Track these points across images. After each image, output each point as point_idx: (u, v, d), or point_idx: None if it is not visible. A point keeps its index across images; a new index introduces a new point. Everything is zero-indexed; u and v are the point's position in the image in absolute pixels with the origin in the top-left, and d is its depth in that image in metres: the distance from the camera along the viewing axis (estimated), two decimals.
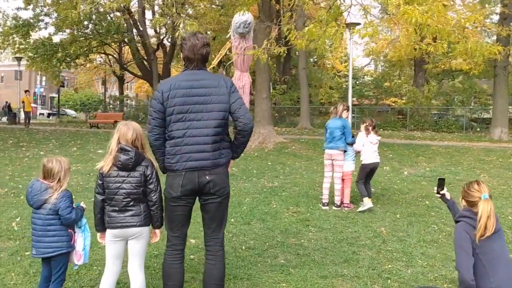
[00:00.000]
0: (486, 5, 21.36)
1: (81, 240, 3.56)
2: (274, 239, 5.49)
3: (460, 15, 10.68)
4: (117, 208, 3.29)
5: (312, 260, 4.81)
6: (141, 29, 29.84)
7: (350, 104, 19.31)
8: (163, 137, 3.34)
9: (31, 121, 24.94)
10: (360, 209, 6.69)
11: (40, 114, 46.13)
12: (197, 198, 3.41)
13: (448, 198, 3.94)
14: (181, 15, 25.57)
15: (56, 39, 27.00)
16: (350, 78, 19.03)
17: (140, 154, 3.33)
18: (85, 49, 28.03)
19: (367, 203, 6.66)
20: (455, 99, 25.74)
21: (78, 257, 3.56)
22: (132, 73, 34.79)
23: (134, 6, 26.51)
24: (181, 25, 8.74)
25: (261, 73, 13.50)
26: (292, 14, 16.32)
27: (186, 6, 28.72)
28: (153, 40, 30.63)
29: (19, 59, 26.40)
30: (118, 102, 38.42)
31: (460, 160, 11.20)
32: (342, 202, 6.90)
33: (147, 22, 27.86)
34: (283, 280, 4.29)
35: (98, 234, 3.47)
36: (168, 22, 25.90)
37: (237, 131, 3.36)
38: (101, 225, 3.39)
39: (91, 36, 27.60)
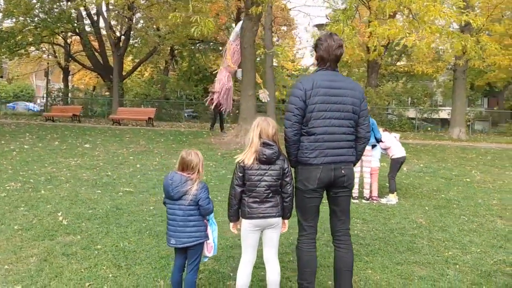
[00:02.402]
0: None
1: (210, 232, 3.67)
2: (327, 231, 5.76)
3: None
4: (258, 200, 3.44)
5: (378, 249, 5.15)
6: (95, 19, 29.07)
7: None
8: (299, 132, 3.53)
9: None
10: (384, 201, 7.15)
11: None
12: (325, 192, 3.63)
13: None
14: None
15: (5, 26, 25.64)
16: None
17: (279, 148, 3.50)
18: (34, 38, 26.75)
19: (394, 198, 7.13)
20: (408, 100, 27.15)
21: (210, 249, 3.66)
22: (82, 65, 33.56)
23: None
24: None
25: (248, 71, 13.68)
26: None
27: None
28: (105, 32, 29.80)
29: None
30: (62, 95, 36.99)
31: (444, 157, 12.05)
32: (371, 196, 7.31)
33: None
34: (365, 267, 4.59)
35: (231, 224, 3.60)
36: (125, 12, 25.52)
37: (357, 138, 3.63)
38: (236, 216, 3.53)
39: (40, 25, 26.37)
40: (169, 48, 33.78)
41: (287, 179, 3.49)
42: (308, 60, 61.23)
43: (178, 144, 13.07)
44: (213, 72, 39.06)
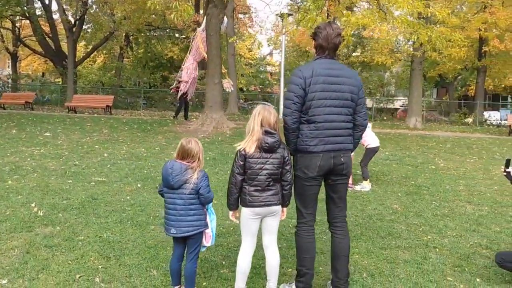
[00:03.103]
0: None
1: (209, 221, 3.64)
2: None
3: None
4: (259, 188, 3.44)
5: (360, 235, 5.28)
6: (46, 2, 27.89)
7: (281, 93, 20.11)
8: (299, 120, 3.55)
9: None
10: (358, 188, 7.34)
11: None
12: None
13: None
14: None
15: None
16: (282, 68, 19.79)
17: (280, 137, 3.51)
18: None
19: (367, 184, 7.32)
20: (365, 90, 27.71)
21: (208, 238, 3.64)
22: (33, 50, 32.16)
23: None
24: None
25: (213, 58, 13.56)
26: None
27: None
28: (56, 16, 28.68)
29: None
30: (10, 81, 35.42)
31: (407, 146, 12.44)
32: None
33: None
34: (352, 252, 4.68)
35: (230, 213, 3.59)
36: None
37: (355, 126, 3.69)
38: (236, 204, 3.53)
39: None
40: (124, 34, 32.89)
41: (287, 167, 3.51)
42: (265, 49, 61.54)
43: (143, 133, 12.81)
44: (170, 60, 38.80)
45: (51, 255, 4.35)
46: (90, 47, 33.62)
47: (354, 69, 35.09)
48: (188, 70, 13.61)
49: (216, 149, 10.45)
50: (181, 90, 14.56)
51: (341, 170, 3.61)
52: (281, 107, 19.96)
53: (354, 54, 29.97)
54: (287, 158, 3.51)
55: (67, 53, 29.04)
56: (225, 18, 12.61)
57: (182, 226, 3.44)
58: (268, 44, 45.20)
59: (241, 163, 3.43)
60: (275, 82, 39.38)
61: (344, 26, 8.20)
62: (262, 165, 3.43)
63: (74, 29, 26.80)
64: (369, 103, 27.74)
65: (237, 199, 3.52)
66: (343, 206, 3.75)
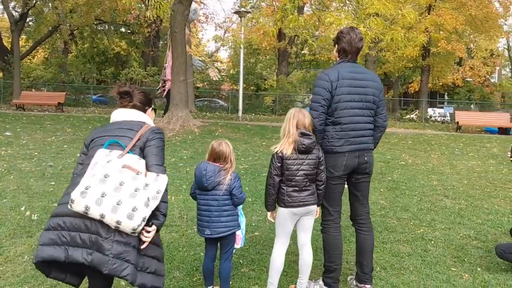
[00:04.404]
0: None
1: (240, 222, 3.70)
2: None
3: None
4: (297, 188, 3.54)
5: None
6: None
7: (241, 90, 20.17)
8: (324, 122, 3.68)
9: None
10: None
11: None
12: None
13: None
14: None
15: None
16: (241, 64, 19.85)
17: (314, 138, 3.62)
18: None
19: None
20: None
21: (238, 240, 3.71)
22: None
23: None
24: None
25: (179, 56, 13.41)
26: None
27: None
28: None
29: None
30: None
31: None
32: None
33: None
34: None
35: (269, 213, 3.69)
36: None
37: (376, 127, 3.87)
38: (274, 205, 3.62)
39: None
40: (68, 27, 31.68)
41: (322, 167, 3.62)
42: (211, 45, 61.32)
43: None
44: (117, 55, 37.78)
45: None
46: (31, 41, 32.15)
47: (303, 67, 35.83)
48: (171, 68, 13.26)
49: (190, 148, 10.39)
50: (167, 88, 14.20)
51: (364, 169, 3.78)
52: (240, 105, 20.07)
53: (308, 52, 30.44)
54: (321, 158, 3.62)
55: (8, 48, 27.69)
56: (194, 5, 12.37)
57: (216, 227, 3.48)
58: (215, 41, 45.15)
59: (279, 165, 3.52)
60: (225, 80, 39.34)
61: (328, 27, 8.44)
62: (299, 166, 3.53)
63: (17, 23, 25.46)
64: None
65: (275, 200, 3.61)
66: (366, 203, 3.93)
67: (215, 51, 53.65)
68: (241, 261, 4.39)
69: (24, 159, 8.47)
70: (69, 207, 2.43)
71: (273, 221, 3.68)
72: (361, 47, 3.84)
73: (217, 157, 3.52)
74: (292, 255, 4.39)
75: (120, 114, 2.89)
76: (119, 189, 2.43)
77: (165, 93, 13.92)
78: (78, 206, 2.40)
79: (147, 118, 2.94)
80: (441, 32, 20.34)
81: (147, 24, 22.33)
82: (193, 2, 13.85)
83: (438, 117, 27.23)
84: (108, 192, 2.41)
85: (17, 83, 24.12)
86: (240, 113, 19.85)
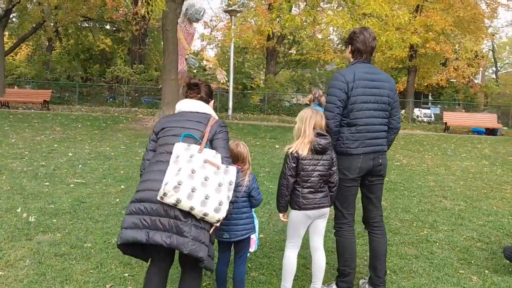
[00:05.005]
0: None
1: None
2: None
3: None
4: (313, 190, 3.47)
5: (363, 232, 5.43)
6: None
7: (231, 89, 20.07)
8: (339, 123, 3.61)
9: None
10: None
11: None
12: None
13: None
14: None
15: None
16: (231, 63, 19.75)
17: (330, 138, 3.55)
18: None
19: None
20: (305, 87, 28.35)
21: (252, 244, 3.63)
22: None
23: None
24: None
25: (170, 53, 13.26)
26: None
27: None
28: None
29: None
30: None
31: None
32: None
33: None
34: (363, 250, 4.85)
35: (281, 214, 3.61)
36: None
37: (389, 129, 3.80)
38: (286, 206, 3.56)
39: None
40: (52, 24, 31.15)
41: (334, 169, 3.56)
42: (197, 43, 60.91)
43: (100, 131, 12.28)
44: (102, 52, 37.20)
45: (67, 264, 4.10)
46: (14, 38, 31.48)
47: (290, 66, 35.79)
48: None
49: None
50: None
51: (378, 171, 3.72)
52: (230, 104, 19.97)
53: (296, 51, 30.48)
54: (334, 159, 3.56)
55: None
56: (199, 5, 12.17)
57: (236, 230, 3.38)
58: (202, 39, 44.83)
59: (294, 165, 3.44)
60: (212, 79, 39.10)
61: (325, 28, 8.40)
62: (315, 167, 3.46)
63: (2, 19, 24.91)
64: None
65: (288, 201, 3.53)
66: (379, 206, 3.88)
67: (201, 50, 53.38)
68: (249, 265, 4.30)
69: (15, 159, 8.26)
70: (158, 198, 2.65)
71: (286, 221, 3.60)
72: (375, 46, 3.79)
73: (235, 158, 3.42)
74: (300, 257, 4.32)
75: (189, 105, 3.10)
76: (205, 184, 2.67)
77: None
78: (170, 199, 2.63)
79: (211, 109, 3.14)
80: (430, 33, 20.49)
81: (136, 22, 22.01)
82: (198, 1, 13.66)
83: (424, 117, 27.45)
84: (197, 187, 2.64)
85: (1, 81, 23.61)
86: (230, 112, 19.76)
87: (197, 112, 3.04)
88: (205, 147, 2.83)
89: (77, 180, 7.01)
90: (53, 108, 20.76)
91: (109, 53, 38.48)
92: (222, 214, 2.72)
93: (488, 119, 19.86)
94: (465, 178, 8.70)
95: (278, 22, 10.63)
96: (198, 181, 2.66)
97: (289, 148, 3.51)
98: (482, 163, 10.45)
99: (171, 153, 2.79)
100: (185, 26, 12.77)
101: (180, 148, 2.78)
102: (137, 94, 27.48)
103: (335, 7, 9.62)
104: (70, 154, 8.93)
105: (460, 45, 30.80)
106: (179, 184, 2.61)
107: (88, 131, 12.11)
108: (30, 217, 5.23)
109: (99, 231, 4.95)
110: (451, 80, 34.84)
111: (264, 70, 32.18)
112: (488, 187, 8.04)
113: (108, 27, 38.40)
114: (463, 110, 30.22)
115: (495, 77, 45.63)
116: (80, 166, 7.98)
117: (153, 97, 27.60)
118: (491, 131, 18.97)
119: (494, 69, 48.89)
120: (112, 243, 4.60)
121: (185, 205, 2.63)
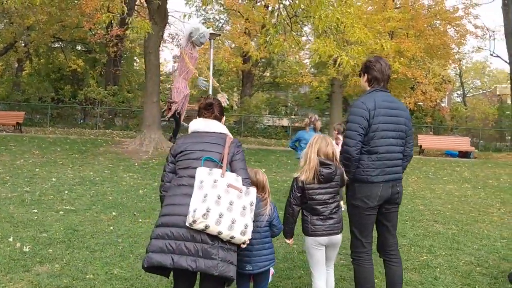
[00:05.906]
0: None
1: None
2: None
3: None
4: (322, 217, 3.47)
5: None
6: None
7: None
8: (360, 151, 3.62)
9: None
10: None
11: None
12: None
13: None
14: None
15: None
16: (211, 85, 19.68)
17: (337, 166, 3.55)
18: None
19: (343, 205, 7.54)
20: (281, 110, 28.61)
21: (271, 272, 3.55)
22: None
23: None
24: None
25: (152, 76, 13.19)
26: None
27: None
28: None
29: None
30: None
31: None
32: None
33: None
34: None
35: (287, 240, 3.66)
36: None
37: (403, 156, 3.81)
38: (292, 233, 3.61)
39: None
40: (24, 45, 30.57)
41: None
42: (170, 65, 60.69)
43: (80, 154, 11.98)
44: (73, 72, 36.62)
45: None
46: None
47: (263, 89, 36.08)
48: (178, 90, 12.85)
49: None
50: (171, 111, 13.56)
51: (396, 199, 3.74)
52: None
53: (269, 75, 30.79)
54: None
55: None
56: (203, 29, 12.10)
57: (259, 261, 3.31)
58: (174, 61, 44.80)
59: (299, 194, 3.48)
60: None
61: (313, 54, 8.51)
62: (322, 196, 3.49)
63: None
64: (285, 122, 28.60)
65: (293, 228, 3.58)
66: (395, 234, 3.88)
67: (173, 71, 53.28)
68: None
69: None
70: (187, 224, 2.72)
71: (291, 243, 3.66)
72: (390, 74, 3.84)
73: (255, 187, 3.37)
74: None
75: (205, 125, 3.12)
76: (231, 209, 2.76)
77: (170, 114, 13.22)
78: (199, 225, 2.70)
79: (225, 128, 3.19)
80: (402, 59, 21.07)
81: (113, 44, 21.81)
82: (202, 24, 13.56)
83: None
84: (224, 212, 2.73)
85: None
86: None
87: (214, 132, 3.09)
88: (226, 170, 2.89)
89: (66, 207, 6.80)
90: (26, 130, 20.21)
91: (80, 73, 37.93)
92: (248, 236, 2.81)
93: (461, 142, 20.38)
94: (451, 201, 8.86)
95: (266, 47, 10.70)
96: (224, 206, 2.74)
97: (297, 176, 3.50)
98: (464, 186, 10.68)
99: (193, 177, 2.84)
100: (189, 49, 12.65)
101: (203, 173, 2.84)
102: (110, 116, 27.04)
103: (319, 33, 9.71)
104: (53, 179, 8.67)
105: (429, 70, 31.80)
106: (208, 211, 2.68)
107: (68, 155, 11.80)
108: (24, 247, 5.02)
109: (98, 262, 4.77)
110: (419, 103, 35.80)
111: (238, 92, 32.27)
112: (476, 211, 8.20)
113: (79, 47, 37.93)
114: (431, 133, 30.97)
115: (461, 100, 47.08)
116: (66, 192, 7.75)
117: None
118: (464, 154, 19.40)
119: (460, 92, 50.47)
120: (114, 275, 4.44)
121: (213, 230, 2.71)
